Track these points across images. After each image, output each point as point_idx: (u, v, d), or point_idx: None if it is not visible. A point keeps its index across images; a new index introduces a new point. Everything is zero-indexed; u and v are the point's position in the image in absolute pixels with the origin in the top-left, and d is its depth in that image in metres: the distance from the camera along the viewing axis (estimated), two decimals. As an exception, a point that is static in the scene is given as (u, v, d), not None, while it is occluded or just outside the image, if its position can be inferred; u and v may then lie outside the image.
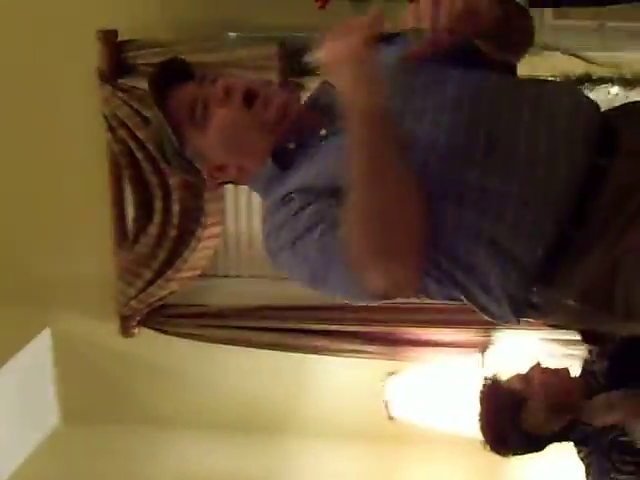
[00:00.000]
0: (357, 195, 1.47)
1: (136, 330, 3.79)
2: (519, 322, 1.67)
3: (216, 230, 3.64)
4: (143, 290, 3.67)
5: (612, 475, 2.70)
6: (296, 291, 3.61)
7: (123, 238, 3.69)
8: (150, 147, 3.44)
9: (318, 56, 1.61)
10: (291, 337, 3.65)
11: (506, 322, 1.68)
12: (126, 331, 3.77)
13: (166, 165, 1.92)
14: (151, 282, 3.66)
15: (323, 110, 1.76)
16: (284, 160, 1.73)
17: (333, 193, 1.56)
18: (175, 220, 3.57)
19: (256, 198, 3.77)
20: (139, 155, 3.53)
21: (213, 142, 1.75)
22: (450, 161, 1.54)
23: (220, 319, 3.73)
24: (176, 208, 3.55)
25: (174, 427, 3.83)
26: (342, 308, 3.58)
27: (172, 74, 1.80)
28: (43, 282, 3.81)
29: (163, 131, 1.77)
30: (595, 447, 2.77)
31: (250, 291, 3.81)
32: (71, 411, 3.99)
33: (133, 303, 3.71)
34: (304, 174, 1.66)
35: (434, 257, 1.55)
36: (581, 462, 2.82)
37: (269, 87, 1.81)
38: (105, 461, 3.77)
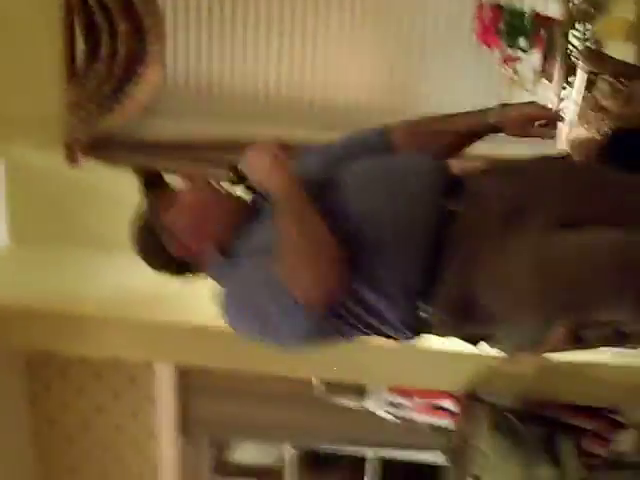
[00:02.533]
0: (284, 239, 1.91)
1: (82, 160, 4.12)
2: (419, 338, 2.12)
3: (158, 69, 4.01)
4: (87, 122, 4.04)
5: None
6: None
7: (72, 74, 4.02)
8: None
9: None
10: (218, 170, 3.94)
11: (410, 340, 2.11)
12: (72, 160, 4.12)
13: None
14: (96, 115, 4.03)
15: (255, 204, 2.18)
16: (228, 251, 2.13)
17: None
18: (121, 60, 3.94)
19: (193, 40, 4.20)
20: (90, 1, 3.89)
21: (183, 222, 2.13)
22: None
23: (157, 150, 4.10)
24: (122, 50, 3.92)
25: (112, 249, 4.18)
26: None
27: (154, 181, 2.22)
28: (-1, 118, 4.13)
29: (145, 217, 2.18)
30: None
31: (187, 129, 4.17)
32: (21, 232, 4.37)
33: (77, 133, 4.06)
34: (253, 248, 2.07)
35: (344, 300, 1.98)
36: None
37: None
38: (48, 277, 4.15)
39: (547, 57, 3.70)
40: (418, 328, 2.08)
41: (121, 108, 4.03)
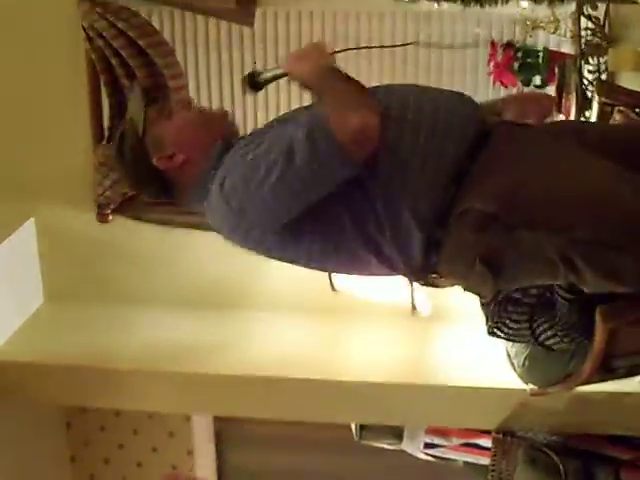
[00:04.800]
0: (332, 96, 2.00)
1: (111, 217, 4.24)
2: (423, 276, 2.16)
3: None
4: (117, 181, 4.12)
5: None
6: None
7: (100, 135, 4.16)
8: (123, 54, 3.96)
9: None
10: None
11: (411, 271, 2.13)
12: (102, 218, 4.23)
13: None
14: (125, 174, 4.13)
15: None
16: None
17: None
18: (145, 119, 4.04)
19: (216, 98, 4.29)
20: (114, 61, 3.98)
21: (173, 129, 2.15)
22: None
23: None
24: (146, 108, 4.03)
25: (144, 304, 4.30)
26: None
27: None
28: (27, 177, 4.24)
29: (133, 116, 2.18)
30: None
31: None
32: (54, 291, 4.46)
33: (108, 193, 4.17)
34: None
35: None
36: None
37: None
38: (84, 334, 4.22)
39: (562, 92, 3.75)
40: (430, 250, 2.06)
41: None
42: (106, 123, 4.16)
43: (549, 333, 2.91)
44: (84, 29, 4.00)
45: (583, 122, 2.90)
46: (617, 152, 2.10)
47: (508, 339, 3.17)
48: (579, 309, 2.75)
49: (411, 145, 2.01)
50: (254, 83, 2.23)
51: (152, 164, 2.15)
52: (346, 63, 4.01)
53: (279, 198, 1.97)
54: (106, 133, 4.15)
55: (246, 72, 2.28)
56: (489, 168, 2.00)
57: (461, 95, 2.21)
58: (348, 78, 2.04)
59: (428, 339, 4.13)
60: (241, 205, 2.02)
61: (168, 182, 2.19)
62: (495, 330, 3.09)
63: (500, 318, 3.04)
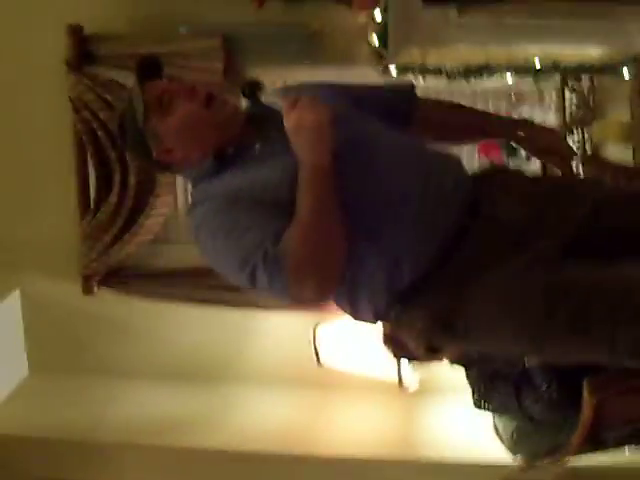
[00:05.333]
0: (302, 220, 1.89)
1: (96, 289, 4.21)
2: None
3: (168, 200, 4.12)
4: (103, 253, 4.11)
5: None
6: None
7: (86, 207, 4.14)
8: (111, 127, 3.96)
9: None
10: (231, 295, 3.96)
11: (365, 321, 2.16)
12: (87, 290, 4.21)
13: (123, 144, 2.25)
14: (110, 246, 4.11)
15: (258, 126, 2.13)
16: (222, 161, 2.10)
17: (275, 204, 1.95)
18: (132, 191, 4.03)
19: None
20: (100, 133, 3.99)
21: (172, 128, 2.08)
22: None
23: (169, 279, 4.17)
24: (132, 180, 4.03)
25: (129, 376, 4.23)
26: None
27: (151, 68, 2.16)
28: (13, 248, 4.23)
29: (133, 108, 2.11)
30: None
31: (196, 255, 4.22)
32: (39, 363, 4.41)
33: (94, 264, 4.15)
34: (249, 179, 2.02)
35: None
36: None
37: (224, 92, 2.23)
38: (68, 406, 4.13)
39: (548, 164, 3.75)
40: (379, 318, 2.11)
41: (133, 238, 4.10)
42: (93, 195, 4.15)
43: (536, 408, 2.88)
44: (71, 100, 4.02)
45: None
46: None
47: (495, 411, 3.14)
48: (559, 388, 2.77)
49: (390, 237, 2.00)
50: (251, 93, 2.14)
51: (152, 153, 2.15)
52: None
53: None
54: (92, 205, 4.14)
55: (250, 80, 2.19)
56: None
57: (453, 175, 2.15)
58: (329, 193, 1.93)
59: (415, 414, 4.05)
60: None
61: (168, 165, 2.21)
62: (482, 403, 3.07)
63: (486, 391, 3.02)
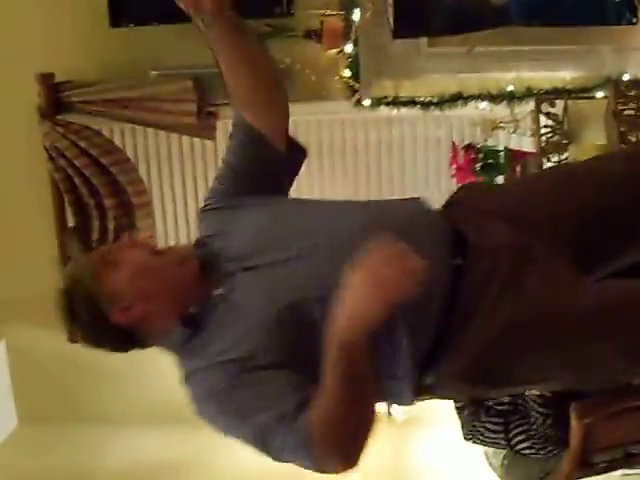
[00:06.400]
0: (335, 398, 1.66)
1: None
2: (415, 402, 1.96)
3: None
4: (86, 300, 4.10)
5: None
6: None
7: (66, 255, 4.08)
8: (86, 173, 3.95)
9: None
10: None
11: (407, 404, 1.98)
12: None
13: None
14: (93, 292, 4.09)
15: (210, 267, 1.96)
16: (193, 324, 1.92)
17: (271, 365, 1.78)
18: (111, 236, 4.01)
19: (181, 212, 4.28)
20: (77, 181, 3.98)
21: (125, 276, 1.92)
22: None
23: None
24: (111, 226, 4.01)
25: (118, 423, 4.24)
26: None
27: None
28: (-4, 300, 4.23)
29: (78, 278, 1.98)
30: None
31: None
32: (28, 413, 4.40)
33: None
34: (229, 337, 1.85)
35: None
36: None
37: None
38: (58, 455, 4.16)
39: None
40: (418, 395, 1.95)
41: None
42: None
43: (525, 445, 2.88)
44: (46, 149, 4.00)
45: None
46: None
47: (484, 445, 3.13)
48: (554, 423, 2.76)
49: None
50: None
51: (111, 321, 1.94)
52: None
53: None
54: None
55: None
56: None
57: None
58: (366, 367, 1.69)
59: (403, 444, 4.04)
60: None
61: (132, 332, 1.99)
62: (471, 437, 3.05)
63: (474, 427, 3.01)
